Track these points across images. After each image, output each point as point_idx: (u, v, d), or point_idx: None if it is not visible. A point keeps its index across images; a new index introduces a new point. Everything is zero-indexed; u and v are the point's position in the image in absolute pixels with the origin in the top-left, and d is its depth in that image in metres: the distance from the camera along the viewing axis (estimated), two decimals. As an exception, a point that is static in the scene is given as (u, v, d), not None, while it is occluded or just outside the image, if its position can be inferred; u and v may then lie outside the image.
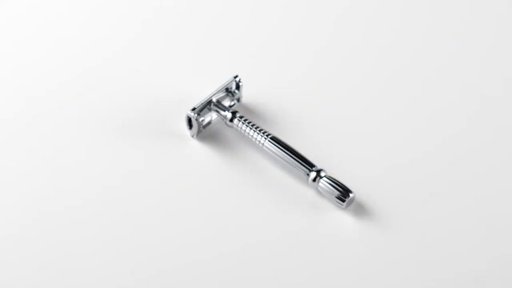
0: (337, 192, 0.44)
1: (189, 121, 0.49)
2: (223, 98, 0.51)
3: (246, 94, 0.53)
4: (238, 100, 0.52)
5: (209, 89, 0.51)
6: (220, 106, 0.50)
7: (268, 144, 0.47)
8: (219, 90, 0.50)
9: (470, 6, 0.65)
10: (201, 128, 0.49)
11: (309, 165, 0.46)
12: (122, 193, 0.46)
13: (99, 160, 0.48)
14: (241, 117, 0.49)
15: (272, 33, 0.61)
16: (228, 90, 0.51)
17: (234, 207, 0.46)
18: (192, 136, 0.50)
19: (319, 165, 0.46)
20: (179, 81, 0.55)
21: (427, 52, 0.60)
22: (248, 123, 0.48)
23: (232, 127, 0.49)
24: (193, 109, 0.48)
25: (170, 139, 0.50)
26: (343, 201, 0.44)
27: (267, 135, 0.47)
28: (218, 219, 0.45)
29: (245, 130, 0.48)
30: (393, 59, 0.59)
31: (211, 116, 0.51)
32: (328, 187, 0.44)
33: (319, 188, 0.45)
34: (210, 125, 0.51)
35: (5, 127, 0.51)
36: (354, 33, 0.62)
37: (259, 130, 0.48)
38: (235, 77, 0.51)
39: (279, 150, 0.46)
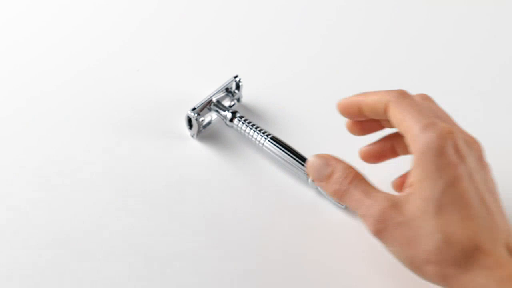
0: None
1: (189, 121, 0.49)
2: (223, 98, 0.51)
3: (246, 94, 0.53)
4: (238, 100, 0.52)
5: (209, 89, 0.51)
6: (220, 106, 0.50)
7: (268, 144, 0.47)
8: (219, 90, 0.50)
9: (468, 6, 0.65)
10: (201, 128, 0.49)
11: None
12: (122, 193, 0.46)
13: (99, 160, 0.48)
14: (241, 117, 0.49)
15: (272, 33, 0.61)
16: (228, 90, 0.51)
17: (234, 207, 0.46)
18: (192, 136, 0.50)
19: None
20: (179, 81, 0.55)
21: (427, 51, 0.60)
22: (248, 123, 0.48)
23: (232, 127, 0.49)
24: (193, 109, 0.48)
25: (170, 139, 0.50)
26: None
27: (267, 135, 0.47)
28: (218, 219, 0.45)
29: (245, 130, 0.48)
30: (392, 57, 0.59)
31: (211, 116, 0.51)
32: None
33: (319, 188, 0.45)
34: (210, 125, 0.51)
35: (5, 127, 0.50)
36: (353, 31, 0.62)
37: (259, 130, 0.48)
38: (235, 77, 0.51)
39: (279, 150, 0.46)
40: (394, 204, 0.38)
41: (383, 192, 0.39)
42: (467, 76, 0.57)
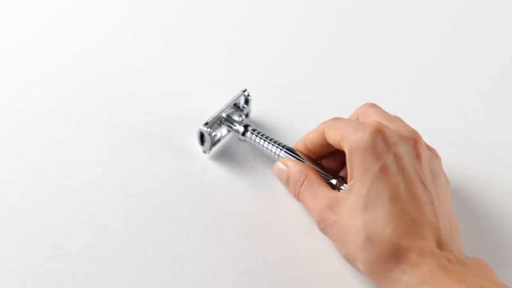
0: None
1: (201, 136, 0.47)
2: (231, 114, 0.50)
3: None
4: (247, 115, 0.51)
5: (209, 89, 0.50)
6: (231, 121, 0.48)
7: (284, 154, 0.45)
8: (228, 106, 0.49)
9: (468, 6, 0.65)
10: (213, 143, 0.48)
11: (331, 174, 0.44)
12: (122, 193, 0.46)
13: (99, 160, 0.48)
14: (253, 130, 0.48)
15: (272, 33, 0.61)
16: (236, 106, 0.50)
17: (234, 206, 0.45)
18: (205, 152, 0.48)
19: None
20: (179, 81, 0.55)
21: (427, 51, 0.60)
22: (262, 135, 0.47)
23: (245, 140, 0.48)
24: (206, 123, 0.47)
25: (170, 138, 0.50)
26: None
27: (282, 146, 0.46)
28: (218, 219, 0.44)
29: (259, 142, 0.47)
30: (392, 57, 0.59)
31: (221, 132, 0.49)
32: None
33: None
34: (221, 141, 0.49)
35: (5, 127, 0.50)
36: (353, 31, 0.62)
37: (274, 142, 0.46)
38: (244, 91, 0.50)
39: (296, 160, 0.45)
40: (331, 204, 0.39)
41: (327, 192, 0.41)
42: (467, 76, 0.57)
